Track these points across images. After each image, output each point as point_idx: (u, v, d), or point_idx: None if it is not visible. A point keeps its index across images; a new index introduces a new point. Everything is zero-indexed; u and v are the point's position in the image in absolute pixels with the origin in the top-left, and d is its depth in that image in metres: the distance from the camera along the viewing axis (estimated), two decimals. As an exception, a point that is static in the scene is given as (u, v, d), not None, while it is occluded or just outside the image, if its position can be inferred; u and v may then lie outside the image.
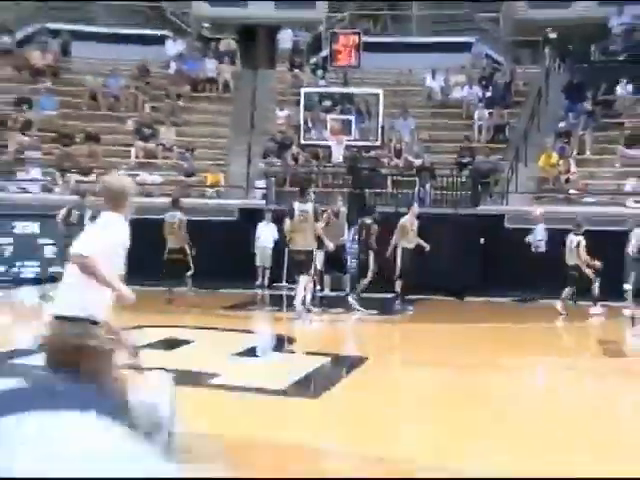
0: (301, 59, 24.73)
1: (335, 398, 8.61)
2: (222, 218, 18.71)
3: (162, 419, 5.11)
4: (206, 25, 26.08)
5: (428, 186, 19.82)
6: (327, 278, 16.20)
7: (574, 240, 14.73)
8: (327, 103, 20.29)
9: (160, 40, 24.99)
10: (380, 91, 19.28)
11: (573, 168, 19.66)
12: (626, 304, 14.76)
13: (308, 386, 9.32)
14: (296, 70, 24.25)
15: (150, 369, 5.27)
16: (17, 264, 18.08)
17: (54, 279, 15.18)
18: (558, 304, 14.83)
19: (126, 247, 4.95)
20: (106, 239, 4.88)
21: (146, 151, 21.34)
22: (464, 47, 24.72)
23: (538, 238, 17.33)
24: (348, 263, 15.83)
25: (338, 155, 18.75)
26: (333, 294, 16.27)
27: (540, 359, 11.39)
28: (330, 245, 14.25)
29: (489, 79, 23.27)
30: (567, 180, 19.59)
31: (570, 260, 14.77)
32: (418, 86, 23.96)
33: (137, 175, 20.44)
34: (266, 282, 18.18)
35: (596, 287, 14.69)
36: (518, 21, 26.05)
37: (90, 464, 2.78)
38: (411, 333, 13.59)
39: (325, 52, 23.35)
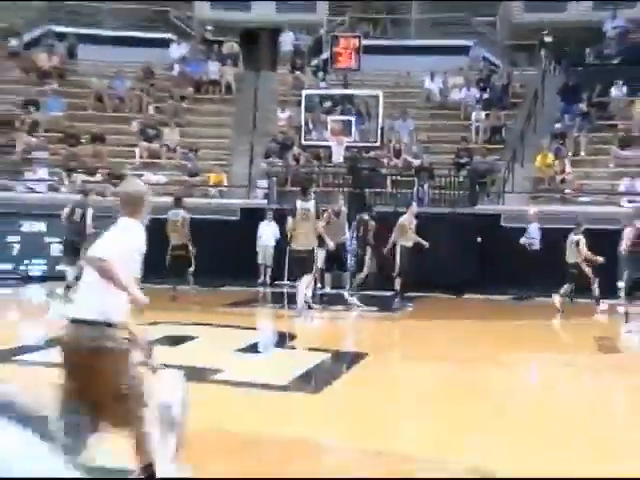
0: (302, 61, 24.72)
1: (336, 393, 8.58)
2: (225, 217, 18.68)
3: (175, 419, 5.08)
4: (209, 28, 26.05)
5: (426, 186, 19.81)
6: (328, 276, 16.16)
7: (574, 239, 14.78)
8: (328, 104, 20.23)
9: (164, 43, 24.98)
10: (380, 93, 19.25)
11: (568, 168, 19.66)
12: (620, 301, 14.77)
13: (309, 381, 9.27)
14: (297, 72, 24.24)
15: (164, 367, 5.23)
16: (24, 262, 18.09)
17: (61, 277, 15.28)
18: (556, 299, 14.80)
19: (142, 252, 4.93)
20: (124, 244, 4.86)
21: (150, 151, 21.32)
22: (462, 50, 24.69)
23: (532, 236, 17.37)
24: (348, 261, 15.81)
25: (338, 155, 18.71)
26: (333, 292, 16.24)
27: (538, 355, 11.35)
28: (331, 244, 14.22)
29: (486, 81, 23.25)
30: (562, 180, 19.60)
31: (570, 258, 14.79)
32: (417, 88, 23.96)
33: (141, 175, 20.42)
34: (268, 280, 18.16)
35: (596, 287, 14.75)
36: (515, 25, 26.03)
37: None
38: (411, 329, 13.56)
39: (326, 55, 23.31)
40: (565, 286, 14.83)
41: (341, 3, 27.06)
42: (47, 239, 17.86)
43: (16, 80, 23.13)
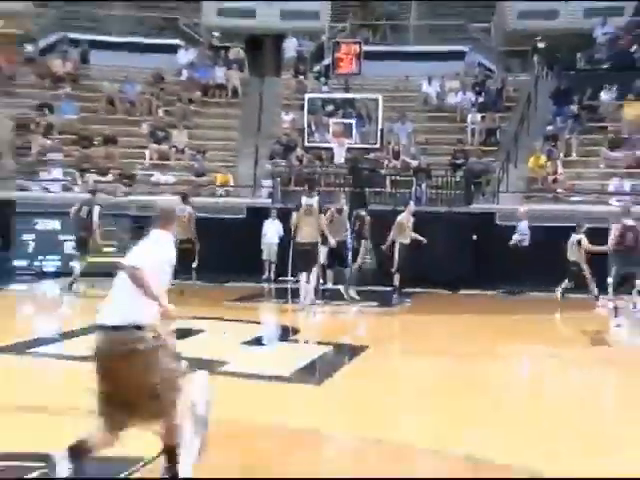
0: (305, 67, 24.70)
1: (337, 385, 8.56)
2: (231, 216, 18.67)
3: (202, 417, 5.08)
4: (216, 35, 26.01)
5: (424, 186, 19.81)
6: (329, 272, 16.12)
7: (575, 238, 15.01)
8: (330, 108, 20.21)
9: (173, 49, 24.98)
10: (379, 97, 19.26)
11: (560, 169, 19.64)
12: (609, 297, 14.77)
13: (312, 373, 9.26)
14: (300, 77, 24.21)
15: (193, 370, 5.25)
16: (39, 258, 18.11)
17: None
18: (558, 294, 15.11)
19: (172, 264, 4.95)
20: (155, 255, 4.88)
21: (160, 153, 21.33)
22: (458, 56, 24.69)
23: (523, 233, 17.48)
24: (349, 257, 15.80)
25: (340, 157, 18.74)
26: (335, 287, 16.20)
27: (533, 348, 11.30)
28: (332, 241, 14.24)
29: (482, 85, 23.22)
30: (555, 180, 19.57)
31: (571, 256, 15.07)
32: (415, 92, 23.92)
33: (151, 175, 20.49)
34: (272, 276, 18.12)
35: (594, 287, 14.99)
36: (509, 31, 25.94)
37: None
38: (410, 324, 13.54)
39: (328, 60, 23.32)
40: (565, 281, 15.13)
41: (342, 10, 27.03)
42: (61, 237, 17.86)
43: (31, 85, 23.12)
